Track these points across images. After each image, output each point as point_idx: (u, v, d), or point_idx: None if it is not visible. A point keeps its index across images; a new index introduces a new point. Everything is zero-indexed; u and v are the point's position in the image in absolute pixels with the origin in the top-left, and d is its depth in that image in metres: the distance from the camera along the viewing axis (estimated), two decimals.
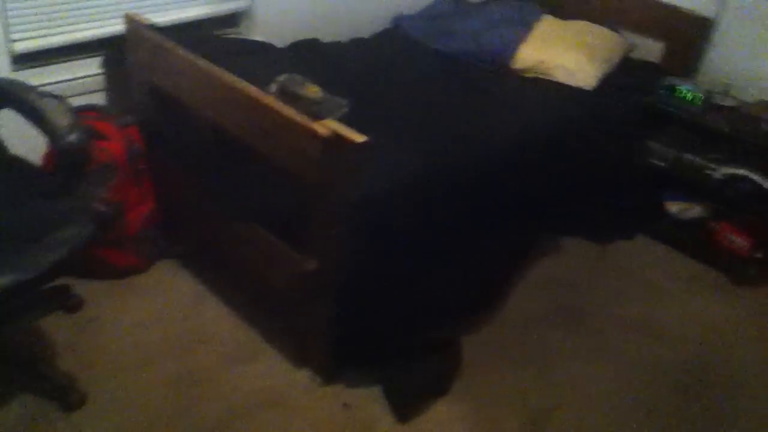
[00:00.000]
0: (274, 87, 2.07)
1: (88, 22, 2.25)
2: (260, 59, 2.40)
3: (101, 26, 2.27)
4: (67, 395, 1.81)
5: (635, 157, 2.76)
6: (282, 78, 2.11)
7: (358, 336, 1.91)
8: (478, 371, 2.05)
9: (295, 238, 1.87)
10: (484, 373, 2.04)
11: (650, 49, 3.01)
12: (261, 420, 1.84)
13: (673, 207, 2.81)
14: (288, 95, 2.04)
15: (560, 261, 2.54)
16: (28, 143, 1.98)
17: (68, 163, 1.80)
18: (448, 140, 2.15)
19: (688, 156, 2.70)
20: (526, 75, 2.76)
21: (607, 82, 2.75)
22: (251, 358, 2.03)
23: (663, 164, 2.74)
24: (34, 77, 2.10)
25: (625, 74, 2.85)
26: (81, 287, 2.18)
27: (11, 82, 1.85)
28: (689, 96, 2.65)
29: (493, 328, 2.21)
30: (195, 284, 2.28)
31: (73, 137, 1.71)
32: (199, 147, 2.22)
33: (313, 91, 2.12)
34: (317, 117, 1.73)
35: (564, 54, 2.73)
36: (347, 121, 1.71)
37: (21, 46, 2.10)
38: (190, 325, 2.12)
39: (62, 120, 1.72)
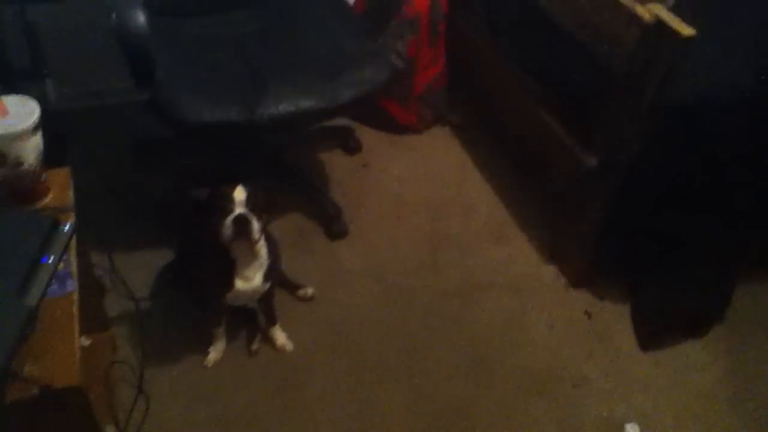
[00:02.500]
0: None
1: None
2: None
3: None
4: (332, 224, 1.96)
5: None
6: None
7: (621, 248, 1.78)
8: (748, 325, 1.81)
9: (583, 131, 1.74)
10: (753, 330, 1.80)
11: None
12: (499, 300, 1.84)
13: None
14: None
15: None
16: None
17: (380, 7, 1.84)
18: None
19: None
20: None
21: None
22: (502, 239, 2.01)
23: None
24: None
25: None
26: (361, 133, 2.30)
27: None
28: None
29: None
30: (463, 155, 2.28)
31: None
32: (503, 18, 2.14)
33: None
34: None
35: None
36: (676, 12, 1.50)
37: None
38: (451, 193, 2.15)
39: None
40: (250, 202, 1.39)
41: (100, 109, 2.17)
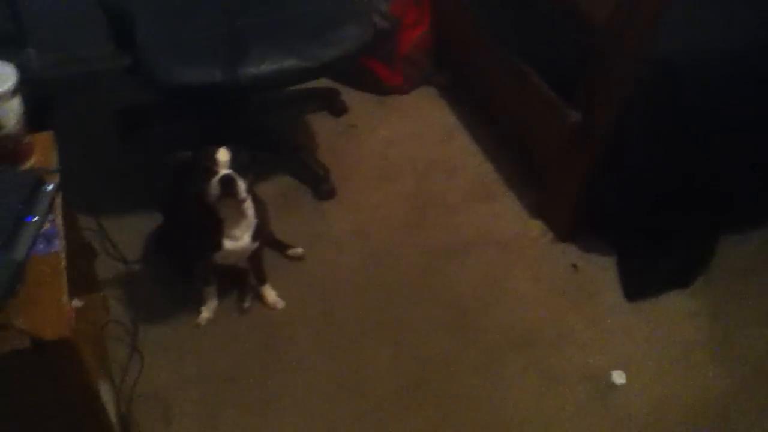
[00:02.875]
0: None
1: None
2: None
3: None
4: (320, 184, 1.98)
5: None
6: None
7: (607, 202, 1.80)
8: (729, 275, 1.84)
9: (567, 89, 1.75)
10: (734, 279, 1.83)
11: None
12: (486, 257, 1.86)
13: None
14: None
15: None
16: None
17: None
18: None
19: None
20: None
21: None
22: (489, 197, 2.03)
23: None
24: None
25: None
26: (348, 95, 2.31)
27: None
28: None
29: (763, 239, 1.94)
30: (450, 116, 2.29)
31: None
32: None
33: None
34: None
35: None
36: None
37: None
38: (438, 153, 2.16)
39: None
40: (234, 162, 1.40)
41: (85, 76, 2.17)
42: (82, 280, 1.42)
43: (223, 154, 1.40)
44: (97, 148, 2.05)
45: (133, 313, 1.63)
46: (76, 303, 1.36)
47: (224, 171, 1.39)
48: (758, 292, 1.81)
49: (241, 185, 1.41)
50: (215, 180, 1.39)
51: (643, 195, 1.76)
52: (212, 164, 1.40)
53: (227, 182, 1.39)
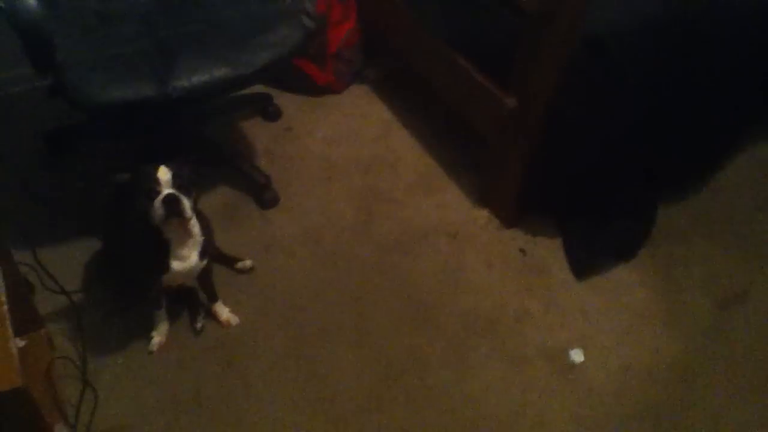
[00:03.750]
0: None
1: None
2: None
3: None
4: (262, 193, 1.93)
5: None
6: None
7: (548, 184, 1.83)
8: (670, 241, 1.91)
9: (500, 74, 1.76)
10: (675, 245, 1.90)
11: None
12: (437, 248, 1.87)
13: None
14: None
15: None
16: None
17: None
18: None
19: None
20: None
21: None
22: (433, 189, 2.03)
23: None
24: None
25: None
26: (280, 98, 2.26)
27: None
28: None
29: (698, 202, 2.03)
30: (385, 111, 2.28)
31: None
32: None
33: None
34: None
35: None
36: None
37: None
38: (378, 149, 2.15)
39: None
40: (176, 180, 1.35)
41: (6, 98, 2.04)
42: (22, 319, 1.34)
43: (163, 173, 1.34)
44: (24, 175, 1.94)
45: (80, 347, 1.55)
46: (19, 343, 1.28)
47: (167, 190, 1.34)
48: (699, 256, 1.89)
49: (186, 203, 1.35)
50: (158, 200, 1.33)
51: (583, 174, 1.80)
52: (153, 184, 1.34)
53: (171, 202, 1.34)
